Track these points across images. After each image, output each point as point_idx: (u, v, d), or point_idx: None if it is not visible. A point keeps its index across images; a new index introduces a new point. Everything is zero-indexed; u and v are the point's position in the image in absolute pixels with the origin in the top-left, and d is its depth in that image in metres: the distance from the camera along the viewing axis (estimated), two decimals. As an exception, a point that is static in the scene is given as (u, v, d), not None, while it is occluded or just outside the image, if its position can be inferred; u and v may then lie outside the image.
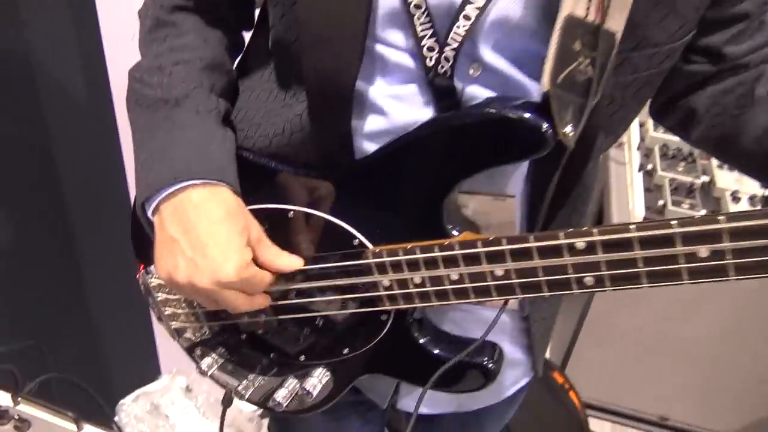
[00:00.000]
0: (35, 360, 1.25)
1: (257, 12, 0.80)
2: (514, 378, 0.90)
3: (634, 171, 1.77)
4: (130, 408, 1.60)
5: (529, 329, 0.83)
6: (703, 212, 1.62)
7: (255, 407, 1.81)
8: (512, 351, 0.84)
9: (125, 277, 1.63)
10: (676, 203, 1.64)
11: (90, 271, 1.57)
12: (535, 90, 0.62)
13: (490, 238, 0.60)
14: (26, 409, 0.85)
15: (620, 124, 0.72)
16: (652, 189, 1.72)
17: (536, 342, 0.85)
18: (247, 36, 0.83)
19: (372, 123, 0.67)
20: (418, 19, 0.60)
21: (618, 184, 1.76)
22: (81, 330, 1.61)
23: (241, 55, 0.83)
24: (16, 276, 1.39)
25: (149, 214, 0.69)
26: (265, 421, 1.79)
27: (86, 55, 1.39)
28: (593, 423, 1.87)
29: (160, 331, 1.79)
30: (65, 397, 1.07)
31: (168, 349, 1.82)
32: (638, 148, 1.84)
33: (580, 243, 0.55)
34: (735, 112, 0.71)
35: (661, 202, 1.65)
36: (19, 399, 0.86)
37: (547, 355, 1.73)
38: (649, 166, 1.77)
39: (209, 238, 0.64)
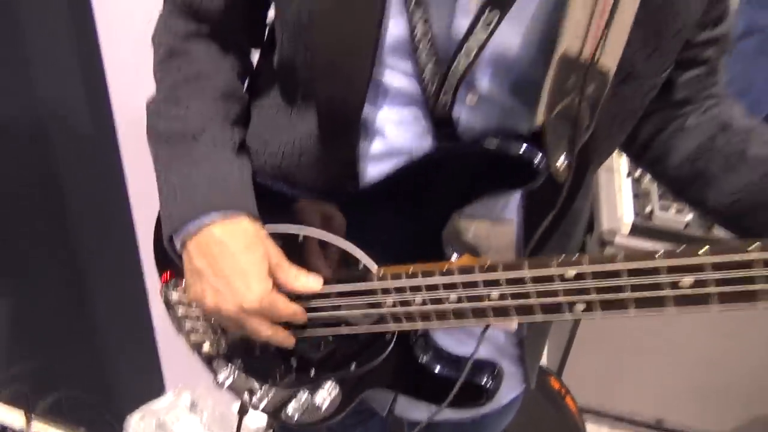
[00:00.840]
0: (45, 379, 1.28)
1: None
2: (508, 387, 0.93)
3: (623, 177, 1.78)
4: (138, 426, 1.62)
5: (521, 341, 0.86)
6: (690, 217, 1.64)
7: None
8: (506, 363, 0.86)
9: (128, 296, 1.67)
10: (663, 208, 1.65)
11: (94, 291, 1.59)
12: (529, 117, 0.64)
13: (488, 263, 0.63)
14: (39, 428, 0.88)
15: (604, 154, 0.75)
16: (640, 195, 1.73)
17: (528, 354, 0.88)
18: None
19: (374, 147, 0.69)
20: (423, 48, 0.62)
21: (607, 190, 1.77)
22: (87, 349, 1.63)
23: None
24: (23, 298, 1.42)
25: (177, 247, 0.73)
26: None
27: (87, 78, 1.42)
28: (590, 427, 1.88)
29: (163, 348, 1.81)
30: (74, 414, 1.10)
31: (172, 365, 1.84)
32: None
33: (570, 272, 0.58)
34: (666, 137, 0.76)
35: (648, 208, 1.66)
36: (32, 418, 0.89)
37: (543, 361, 1.74)
38: (637, 173, 1.78)
39: (232, 270, 0.69)
